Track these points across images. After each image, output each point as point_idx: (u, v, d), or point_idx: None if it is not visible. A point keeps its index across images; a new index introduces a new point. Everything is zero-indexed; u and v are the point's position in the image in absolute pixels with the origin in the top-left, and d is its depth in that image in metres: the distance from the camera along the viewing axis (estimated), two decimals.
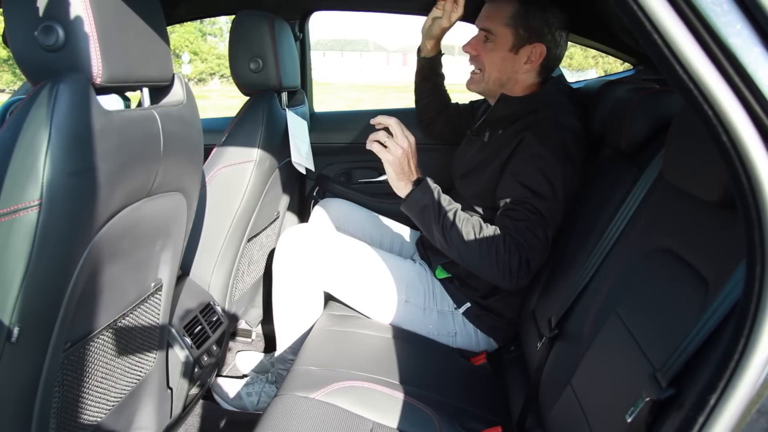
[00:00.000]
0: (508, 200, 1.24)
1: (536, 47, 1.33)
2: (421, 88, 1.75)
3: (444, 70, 1.72)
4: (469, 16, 1.49)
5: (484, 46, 1.36)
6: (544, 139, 1.24)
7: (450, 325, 1.40)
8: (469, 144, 1.50)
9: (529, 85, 1.39)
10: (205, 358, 1.38)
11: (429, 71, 1.69)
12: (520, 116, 1.33)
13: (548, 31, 1.33)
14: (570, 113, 1.33)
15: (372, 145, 1.25)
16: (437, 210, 1.22)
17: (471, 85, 1.43)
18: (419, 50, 1.66)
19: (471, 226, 1.21)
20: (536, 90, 1.39)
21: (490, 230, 1.20)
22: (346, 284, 1.42)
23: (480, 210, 1.37)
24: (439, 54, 1.66)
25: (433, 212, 1.22)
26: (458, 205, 1.25)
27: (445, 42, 1.63)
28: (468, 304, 1.39)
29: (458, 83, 1.73)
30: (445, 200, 1.24)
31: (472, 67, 1.42)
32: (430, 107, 1.77)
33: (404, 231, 1.74)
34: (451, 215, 1.22)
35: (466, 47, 1.39)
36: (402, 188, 1.26)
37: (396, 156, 1.23)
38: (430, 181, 1.26)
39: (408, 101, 1.85)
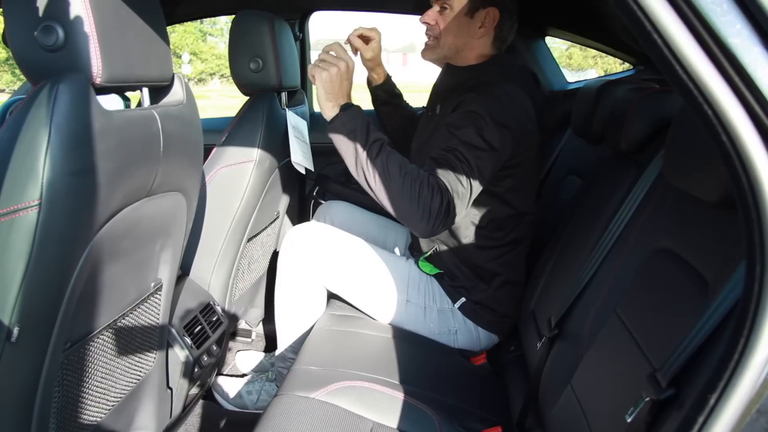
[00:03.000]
0: (439, 147, 1.24)
1: (490, 11, 1.36)
2: (383, 113, 1.77)
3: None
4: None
5: (439, 15, 1.38)
6: (483, 99, 1.25)
7: (450, 322, 1.41)
8: (426, 121, 1.51)
9: (481, 54, 1.41)
10: (205, 358, 1.38)
11: (385, 95, 1.73)
12: (464, 84, 1.34)
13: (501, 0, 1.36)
14: (517, 84, 1.33)
15: (311, 68, 1.25)
16: (364, 137, 1.20)
17: (426, 52, 1.44)
18: (369, 81, 1.72)
19: (397, 161, 1.18)
20: (489, 58, 1.41)
21: (415, 169, 1.18)
22: (350, 283, 1.42)
23: None
24: (388, 77, 1.71)
25: (360, 139, 1.20)
26: (386, 138, 1.24)
27: None
28: (462, 299, 1.40)
29: None
30: (374, 130, 1.23)
31: (428, 38, 1.42)
32: (399, 128, 1.77)
33: (405, 232, 1.74)
34: (377, 146, 1.20)
35: (423, 18, 1.41)
36: (329, 109, 1.26)
37: (329, 73, 1.23)
38: (359, 108, 1.25)
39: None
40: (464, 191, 1.18)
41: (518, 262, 1.44)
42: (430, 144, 1.35)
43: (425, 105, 1.58)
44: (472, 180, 1.19)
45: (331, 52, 1.27)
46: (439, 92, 1.44)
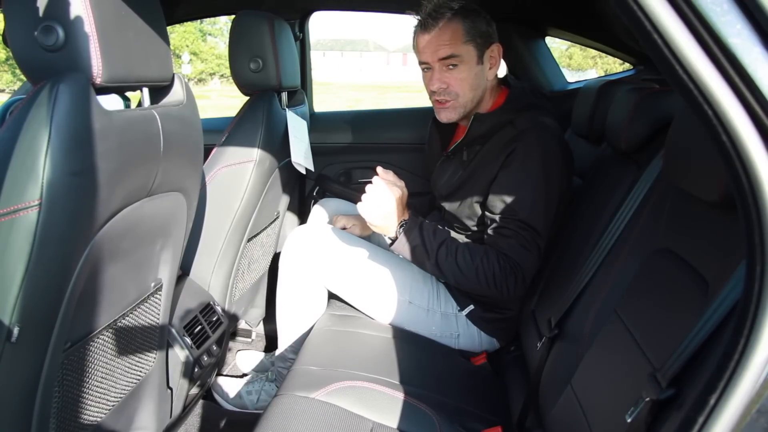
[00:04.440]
0: (498, 217, 1.24)
1: (494, 48, 1.32)
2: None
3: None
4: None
5: (450, 74, 1.30)
6: (532, 149, 1.23)
7: (453, 326, 1.40)
8: (446, 163, 1.48)
9: (493, 87, 1.37)
10: (205, 358, 1.38)
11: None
12: (498, 129, 1.32)
13: (492, 30, 1.32)
14: (543, 112, 1.32)
15: (361, 208, 1.25)
16: (428, 248, 1.24)
17: (447, 114, 1.35)
18: None
19: (463, 254, 1.22)
20: (500, 93, 1.38)
21: (483, 254, 1.21)
22: (352, 285, 1.42)
23: (471, 225, 1.37)
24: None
25: (425, 251, 1.24)
26: (447, 234, 1.26)
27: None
28: (471, 306, 1.39)
29: None
30: (434, 234, 1.25)
31: (443, 100, 1.33)
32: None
33: None
34: (444, 250, 1.23)
35: (434, 84, 1.31)
36: (386, 235, 1.29)
37: (381, 214, 1.24)
38: (413, 219, 1.26)
39: (408, 101, 1.84)
40: (533, 256, 1.22)
41: None
42: (468, 193, 1.34)
43: (443, 147, 1.52)
44: (539, 241, 1.22)
45: (380, 186, 1.24)
46: (468, 140, 1.36)
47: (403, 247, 1.26)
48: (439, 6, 1.28)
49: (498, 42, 1.33)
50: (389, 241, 1.29)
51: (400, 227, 1.26)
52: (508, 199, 1.23)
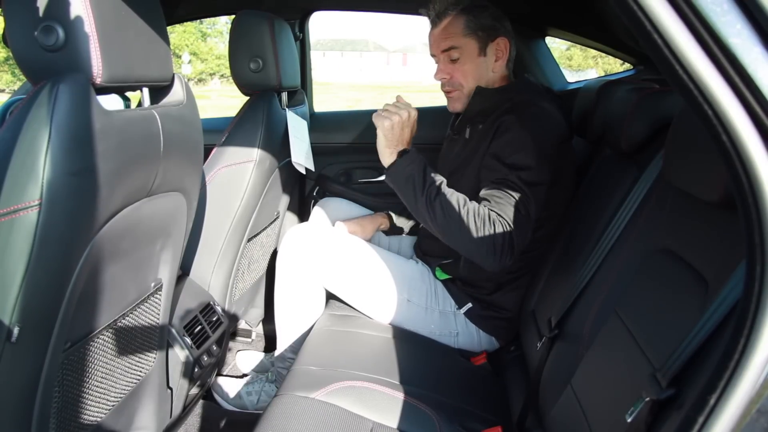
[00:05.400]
0: (489, 180, 1.24)
1: (499, 42, 1.37)
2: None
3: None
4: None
5: (453, 66, 1.38)
6: (523, 121, 1.25)
7: (452, 325, 1.40)
8: (452, 143, 1.50)
9: (502, 77, 1.41)
10: (205, 358, 1.38)
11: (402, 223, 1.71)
12: (498, 106, 1.34)
13: (500, 24, 1.37)
14: (546, 99, 1.35)
15: (375, 116, 1.28)
16: (422, 181, 1.22)
17: (455, 105, 1.43)
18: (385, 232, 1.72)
19: (456, 200, 1.20)
20: (509, 82, 1.42)
21: (475, 206, 1.19)
22: (350, 284, 1.42)
23: None
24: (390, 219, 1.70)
25: (418, 183, 1.22)
26: (443, 179, 1.24)
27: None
28: (469, 305, 1.39)
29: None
30: (431, 172, 1.24)
31: (448, 90, 1.42)
32: None
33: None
34: (435, 188, 1.21)
35: (438, 75, 1.42)
36: (387, 156, 1.28)
37: (391, 122, 1.25)
38: (415, 151, 1.26)
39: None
40: (524, 219, 1.18)
41: (531, 265, 1.41)
42: (467, 170, 1.35)
43: (450, 127, 1.56)
44: (529, 206, 1.19)
45: (395, 103, 1.30)
46: (468, 115, 1.42)
47: (399, 173, 1.24)
48: (445, 7, 1.36)
49: (505, 36, 1.37)
50: (386, 167, 1.28)
51: (401, 154, 1.26)
52: (499, 164, 1.23)
